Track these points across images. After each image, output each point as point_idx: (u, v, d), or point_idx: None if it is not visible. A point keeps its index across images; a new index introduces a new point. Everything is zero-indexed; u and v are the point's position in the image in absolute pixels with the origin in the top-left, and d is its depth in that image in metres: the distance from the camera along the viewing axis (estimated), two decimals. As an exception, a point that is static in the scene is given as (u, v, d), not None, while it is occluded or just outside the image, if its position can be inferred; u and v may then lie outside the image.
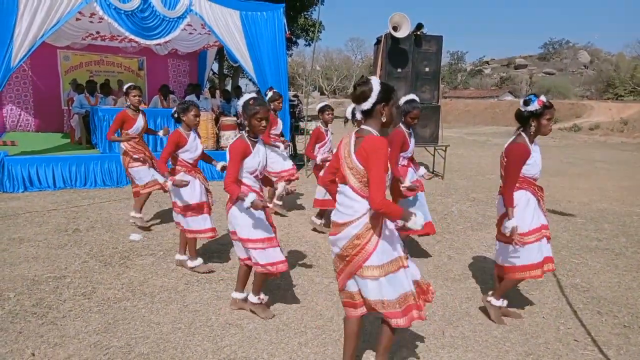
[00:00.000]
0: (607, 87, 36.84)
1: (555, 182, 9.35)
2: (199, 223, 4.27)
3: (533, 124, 3.16)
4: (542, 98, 3.16)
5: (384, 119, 2.42)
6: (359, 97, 2.41)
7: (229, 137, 8.85)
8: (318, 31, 25.60)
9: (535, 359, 3.02)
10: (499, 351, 3.11)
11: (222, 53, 17.75)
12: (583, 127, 21.71)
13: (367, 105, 2.39)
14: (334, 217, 2.55)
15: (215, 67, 25.22)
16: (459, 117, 30.13)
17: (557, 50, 57.57)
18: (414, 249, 5.07)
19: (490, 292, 3.62)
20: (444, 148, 9.80)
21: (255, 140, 3.30)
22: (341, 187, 2.52)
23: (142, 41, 7.82)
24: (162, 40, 7.93)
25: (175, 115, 4.30)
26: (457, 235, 5.74)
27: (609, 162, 12.59)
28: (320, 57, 57.89)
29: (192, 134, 4.29)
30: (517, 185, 3.25)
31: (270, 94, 6.06)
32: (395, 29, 8.95)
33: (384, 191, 2.28)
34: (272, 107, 5.98)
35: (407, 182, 4.41)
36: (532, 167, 3.24)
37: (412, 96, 4.65)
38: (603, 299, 3.94)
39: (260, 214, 3.28)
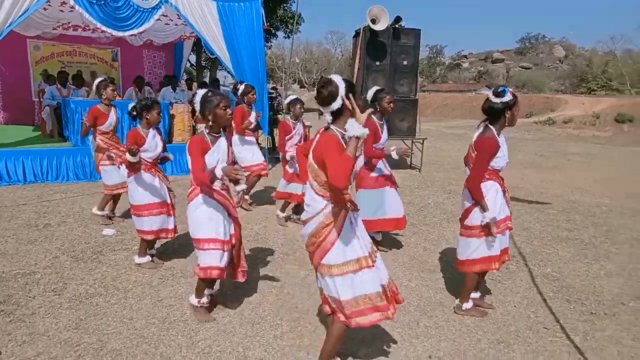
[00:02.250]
0: (581, 82, 37.70)
1: (529, 174, 9.55)
2: (157, 223, 4.19)
3: (507, 115, 3.20)
4: (510, 89, 3.23)
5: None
6: (328, 98, 2.39)
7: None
8: (297, 23, 25.45)
9: (506, 347, 3.09)
10: (471, 339, 3.17)
11: (199, 44, 17.50)
12: (557, 120, 22.17)
13: (337, 104, 2.38)
14: (303, 213, 2.64)
15: (193, 58, 24.88)
16: (437, 110, 30.43)
17: (534, 45, 58.54)
18: (390, 241, 5.11)
19: (456, 301, 3.58)
20: (421, 141, 9.89)
21: (217, 135, 3.19)
22: (307, 184, 2.55)
23: (114, 32, 7.63)
24: (135, 32, 7.76)
25: (134, 112, 4.12)
26: (433, 227, 5.81)
27: (581, 155, 12.91)
28: (299, 49, 57.55)
29: (152, 132, 4.16)
30: (487, 176, 3.29)
31: (242, 87, 6.04)
32: (373, 21, 8.95)
33: (345, 171, 2.20)
34: (245, 100, 5.94)
35: (384, 169, 4.48)
36: (501, 159, 3.28)
37: (377, 87, 4.66)
38: (572, 288, 4.05)
39: (213, 213, 3.20)
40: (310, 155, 2.46)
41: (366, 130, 2.24)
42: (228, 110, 3.14)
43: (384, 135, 4.57)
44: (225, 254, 3.24)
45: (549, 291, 3.98)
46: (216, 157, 3.14)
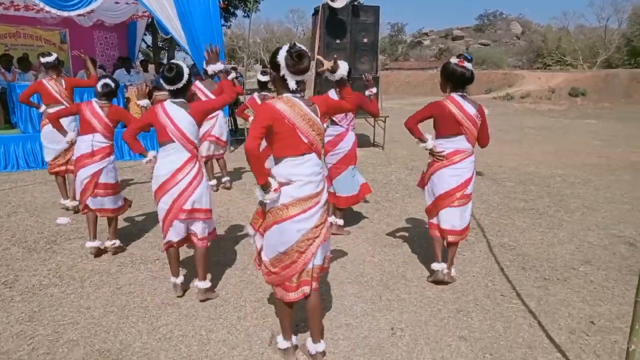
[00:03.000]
0: (537, 57, 38.74)
1: (489, 148, 9.76)
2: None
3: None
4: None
5: None
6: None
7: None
8: (256, 2, 24.83)
9: (465, 315, 3.18)
10: (432, 310, 3.25)
11: (154, 24, 16.80)
12: (515, 95, 22.72)
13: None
14: None
15: (150, 39, 23.94)
16: (400, 88, 30.61)
17: (492, 22, 59.44)
18: (354, 218, 5.15)
19: (446, 266, 3.61)
20: (383, 119, 9.93)
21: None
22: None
23: (58, 12, 7.22)
24: (82, 11, 7.38)
25: None
26: (395, 202, 5.88)
27: (537, 128, 13.32)
28: (260, 29, 56.34)
29: None
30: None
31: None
32: (332, -2, 8.82)
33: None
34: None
35: (346, 145, 4.48)
36: None
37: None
38: (527, 256, 4.20)
39: None
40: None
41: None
42: None
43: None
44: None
45: (505, 260, 4.11)
46: None
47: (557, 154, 9.17)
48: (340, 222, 4.71)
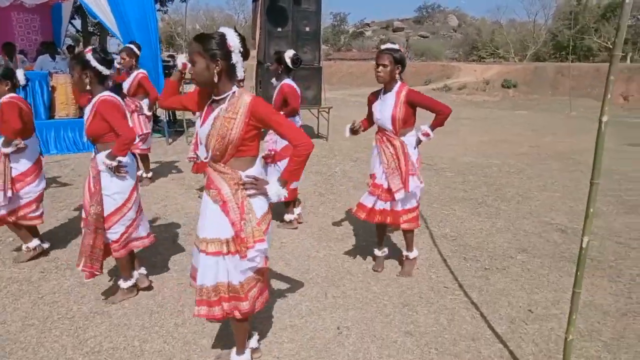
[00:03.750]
0: (472, 50, 40.30)
1: (429, 139, 10.00)
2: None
3: None
4: (383, 45, 3.38)
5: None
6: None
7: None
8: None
9: (411, 309, 3.17)
10: (377, 305, 3.21)
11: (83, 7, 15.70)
12: (453, 87, 23.54)
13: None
14: None
15: (80, 24, 22.42)
16: (342, 79, 30.77)
17: (430, 14, 61.16)
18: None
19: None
20: (327, 110, 9.88)
21: None
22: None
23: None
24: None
25: None
26: (339, 195, 5.84)
27: (473, 118, 13.83)
28: (200, 15, 54.56)
29: None
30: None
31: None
32: (272, -15, 8.58)
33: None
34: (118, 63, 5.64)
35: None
36: (374, 113, 3.51)
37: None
38: (468, 246, 4.29)
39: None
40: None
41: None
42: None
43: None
44: None
45: (448, 251, 4.18)
46: None
47: (491, 144, 9.54)
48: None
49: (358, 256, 4.02)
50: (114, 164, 2.83)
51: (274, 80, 4.64)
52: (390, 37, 52.70)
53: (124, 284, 3.17)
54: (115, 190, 2.94)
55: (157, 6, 24.88)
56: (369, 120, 3.65)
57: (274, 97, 4.50)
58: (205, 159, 2.25)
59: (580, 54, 29.92)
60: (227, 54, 2.08)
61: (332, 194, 5.87)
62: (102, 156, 2.85)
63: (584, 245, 1.96)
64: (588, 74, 20.49)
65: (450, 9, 60.87)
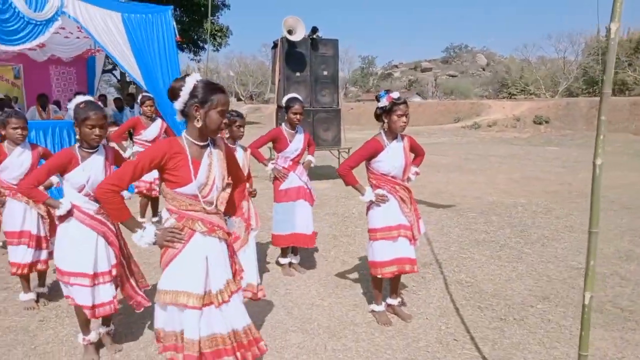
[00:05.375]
0: (502, 87, 39.96)
1: (453, 177, 9.75)
2: (17, 255, 3.73)
3: (385, 120, 3.20)
4: (393, 94, 3.19)
5: (197, 124, 2.18)
6: (169, 93, 2.22)
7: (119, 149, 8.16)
8: (225, 36, 24.98)
9: (415, 365, 2.93)
10: (379, 360, 2.98)
11: (119, 59, 16.55)
12: (482, 124, 23.20)
13: (178, 104, 2.18)
14: None
15: (119, 74, 23.67)
16: (371, 119, 30.90)
17: (458, 54, 61.57)
18: (308, 256, 4.89)
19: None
20: (347, 150, 9.83)
21: (92, 151, 2.87)
22: None
23: (2, 47, 6.92)
24: (28, 45, 7.08)
25: None
26: (353, 238, 5.66)
27: (502, 156, 13.45)
28: (234, 62, 56.89)
29: (19, 149, 3.72)
30: (375, 183, 3.39)
31: (140, 96, 6.02)
32: (290, 32, 8.81)
33: (113, 180, 2.19)
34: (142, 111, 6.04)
35: (298, 181, 4.31)
36: (384, 164, 3.30)
37: (293, 94, 4.55)
38: (484, 293, 4.00)
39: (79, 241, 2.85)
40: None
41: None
42: (96, 130, 2.80)
43: (294, 144, 4.40)
44: (100, 287, 2.87)
45: (461, 298, 3.90)
46: (87, 174, 2.82)
47: (520, 182, 9.17)
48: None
49: (363, 305, 3.80)
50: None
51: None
52: (419, 77, 53.24)
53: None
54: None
55: (191, 55, 26.15)
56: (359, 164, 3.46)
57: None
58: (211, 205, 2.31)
59: (614, 88, 29.10)
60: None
61: (346, 237, 5.70)
62: None
63: (586, 302, 1.73)
64: (625, 107, 19.82)
65: (478, 48, 61.27)
